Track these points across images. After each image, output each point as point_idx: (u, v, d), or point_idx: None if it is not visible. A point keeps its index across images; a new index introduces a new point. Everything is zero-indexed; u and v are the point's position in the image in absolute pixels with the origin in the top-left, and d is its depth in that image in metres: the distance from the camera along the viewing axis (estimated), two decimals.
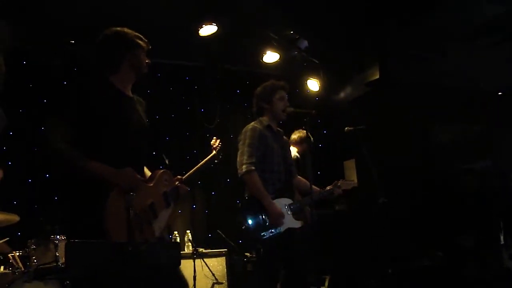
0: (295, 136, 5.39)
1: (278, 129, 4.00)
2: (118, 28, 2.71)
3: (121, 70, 2.66)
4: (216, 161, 3.32)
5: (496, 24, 5.58)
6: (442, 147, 7.16)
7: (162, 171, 2.74)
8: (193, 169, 3.05)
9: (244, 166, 3.63)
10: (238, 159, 3.73)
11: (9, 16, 4.49)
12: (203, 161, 3.20)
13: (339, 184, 4.10)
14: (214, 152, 3.33)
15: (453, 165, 7.06)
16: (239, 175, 3.69)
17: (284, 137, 4.10)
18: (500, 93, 7.41)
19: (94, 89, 2.56)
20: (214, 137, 3.46)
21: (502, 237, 5.92)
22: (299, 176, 4.17)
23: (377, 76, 6.21)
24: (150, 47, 2.78)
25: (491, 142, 7.32)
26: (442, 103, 6.80)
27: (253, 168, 3.62)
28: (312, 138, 4.10)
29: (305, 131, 4.94)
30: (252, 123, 3.88)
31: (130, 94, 2.74)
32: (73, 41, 5.51)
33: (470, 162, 7.19)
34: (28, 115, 5.32)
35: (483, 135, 7.34)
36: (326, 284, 5.15)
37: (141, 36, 2.76)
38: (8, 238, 4.14)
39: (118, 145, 2.52)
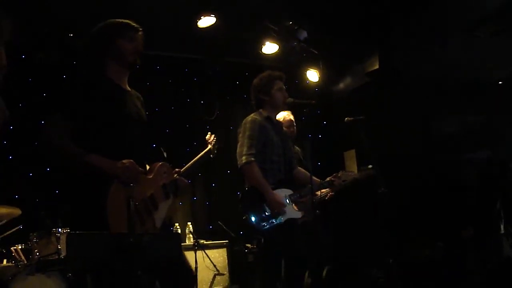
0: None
1: (278, 120, 4.00)
2: (102, 23, 2.70)
3: (109, 64, 2.65)
4: (211, 155, 3.34)
5: (496, 15, 5.56)
6: (442, 137, 7.16)
7: (160, 163, 2.76)
8: (190, 163, 3.07)
9: (243, 157, 3.64)
10: (238, 150, 3.73)
11: (7, 9, 4.48)
12: (198, 155, 3.22)
13: (339, 175, 4.11)
14: (209, 146, 3.36)
15: (453, 155, 7.06)
16: (239, 166, 3.70)
17: (284, 128, 4.10)
18: (500, 83, 7.40)
19: (91, 84, 2.57)
20: (209, 132, 3.48)
21: (502, 227, 5.93)
22: (299, 167, 4.18)
23: (377, 66, 6.20)
24: (138, 30, 2.72)
25: (491, 132, 7.32)
26: (442, 93, 6.79)
27: (252, 159, 3.63)
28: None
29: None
30: (252, 114, 3.88)
31: (127, 87, 2.74)
32: (71, 35, 5.50)
33: (470, 152, 7.19)
34: (28, 109, 5.32)
35: (483, 125, 7.33)
36: (324, 273, 5.16)
37: (126, 23, 2.70)
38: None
39: (117, 139, 2.52)
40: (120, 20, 2.71)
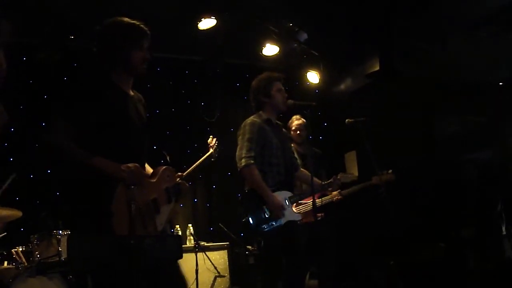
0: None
1: (278, 122, 4.00)
2: (116, 20, 2.64)
3: (115, 69, 2.63)
4: (212, 159, 3.35)
5: (497, 15, 5.56)
6: (443, 138, 7.15)
7: (164, 167, 2.76)
8: (192, 167, 3.09)
9: (243, 160, 3.64)
10: (237, 153, 3.73)
11: (8, 10, 4.48)
12: (200, 159, 3.23)
13: (338, 177, 4.12)
14: (211, 150, 3.37)
15: (454, 156, 7.06)
16: (238, 169, 3.70)
17: (284, 129, 4.10)
18: (501, 84, 7.39)
19: (94, 87, 2.55)
20: (211, 136, 3.48)
21: (503, 228, 5.93)
22: (302, 169, 4.18)
23: (377, 68, 6.19)
24: (148, 36, 2.66)
25: (492, 133, 7.32)
26: (443, 94, 6.79)
27: (251, 162, 3.63)
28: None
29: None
30: (251, 117, 3.88)
31: (130, 91, 2.71)
32: (72, 37, 5.50)
33: (471, 153, 7.19)
34: (29, 111, 5.32)
35: (484, 126, 7.33)
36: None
37: (136, 28, 2.64)
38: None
39: (118, 143, 2.52)
40: (131, 24, 2.64)
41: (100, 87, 2.56)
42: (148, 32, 2.68)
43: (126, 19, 2.66)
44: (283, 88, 3.94)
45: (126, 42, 2.59)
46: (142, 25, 2.67)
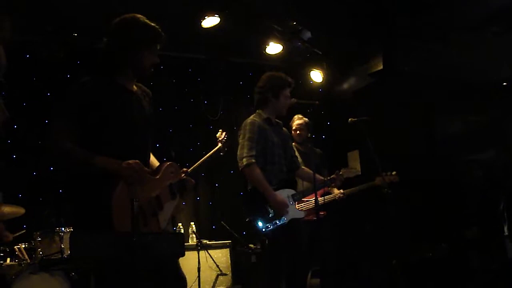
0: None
1: (277, 120, 4.00)
2: (132, 18, 2.60)
3: (123, 68, 2.60)
4: (221, 153, 3.32)
5: (500, 15, 5.55)
6: (445, 138, 7.13)
7: (168, 163, 2.74)
8: (199, 162, 3.06)
9: (244, 160, 3.64)
10: (238, 153, 3.73)
11: (12, 8, 4.49)
12: (209, 153, 3.20)
13: (341, 172, 4.12)
14: (219, 144, 3.34)
15: (457, 156, 7.04)
16: (240, 169, 3.69)
17: (284, 128, 4.10)
18: (504, 84, 7.37)
19: (96, 86, 2.52)
20: (220, 130, 3.45)
21: (506, 228, 5.91)
22: (303, 167, 4.18)
23: (381, 67, 6.19)
24: (162, 40, 2.64)
25: (495, 133, 7.29)
26: (446, 94, 6.77)
27: (253, 161, 3.62)
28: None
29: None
30: (251, 116, 3.87)
31: (133, 88, 2.69)
32: (76, 34, 5.50)
33: (474, 153, 7.17)
34: (32, 108, 5.33)
35: (487, 126, 7.31)
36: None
37: (155, 31, 2.61)
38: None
39: (120, 142, 2.50)
40: (147, 25, 2.60)
41: (102, 86, 2.53)
42: (163, 36, 2.65)
43: (142, 18, 2.62)
44: (290, 95, 3.94)
45: (139, 43, 2.57)
46: (158, 28, 2.63)
